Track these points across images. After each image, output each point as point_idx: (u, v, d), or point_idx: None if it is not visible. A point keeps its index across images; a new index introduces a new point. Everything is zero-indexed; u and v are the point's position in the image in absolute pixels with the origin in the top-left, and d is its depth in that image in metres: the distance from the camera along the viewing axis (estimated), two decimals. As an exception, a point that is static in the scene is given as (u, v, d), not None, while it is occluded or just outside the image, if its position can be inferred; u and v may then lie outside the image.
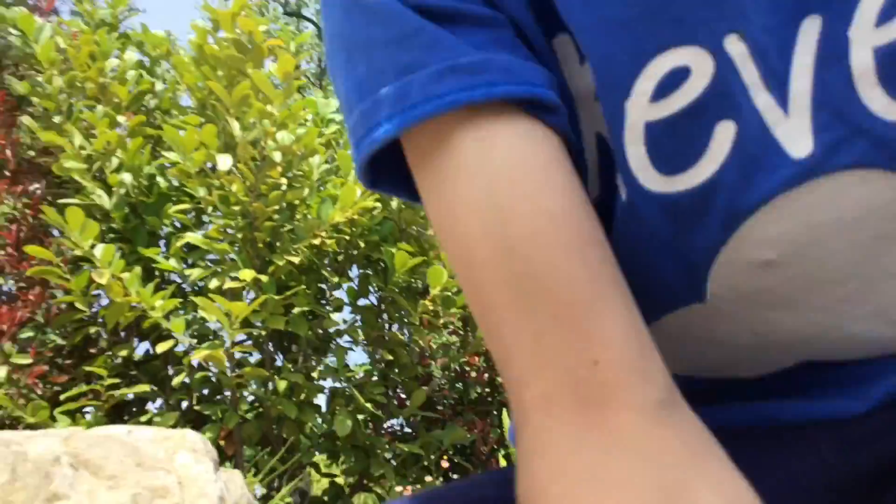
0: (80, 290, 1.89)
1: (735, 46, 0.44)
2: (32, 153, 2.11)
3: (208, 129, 1.75)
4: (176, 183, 2.07)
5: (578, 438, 0.41)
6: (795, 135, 0.44)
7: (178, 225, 2.09)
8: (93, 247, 1.80)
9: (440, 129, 0.45)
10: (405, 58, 0.47)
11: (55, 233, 2.13)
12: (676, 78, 0.45)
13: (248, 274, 1.77)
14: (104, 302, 2.04)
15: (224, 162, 1.77)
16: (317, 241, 1.83)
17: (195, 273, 1.83)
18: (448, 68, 0.45)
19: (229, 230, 1.84)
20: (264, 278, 1.79)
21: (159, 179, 2.07)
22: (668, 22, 0.44)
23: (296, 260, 1.80)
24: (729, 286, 0.48)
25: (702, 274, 0.48)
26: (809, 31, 0.43)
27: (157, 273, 1.98)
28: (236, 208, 1.82)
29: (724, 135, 0.45)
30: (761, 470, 0.49)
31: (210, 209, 1.89)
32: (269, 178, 1.81)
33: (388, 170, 0.50)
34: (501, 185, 0.44)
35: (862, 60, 0.43)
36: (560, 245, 0.44)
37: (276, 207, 1.80)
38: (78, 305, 1.93)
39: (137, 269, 1.82)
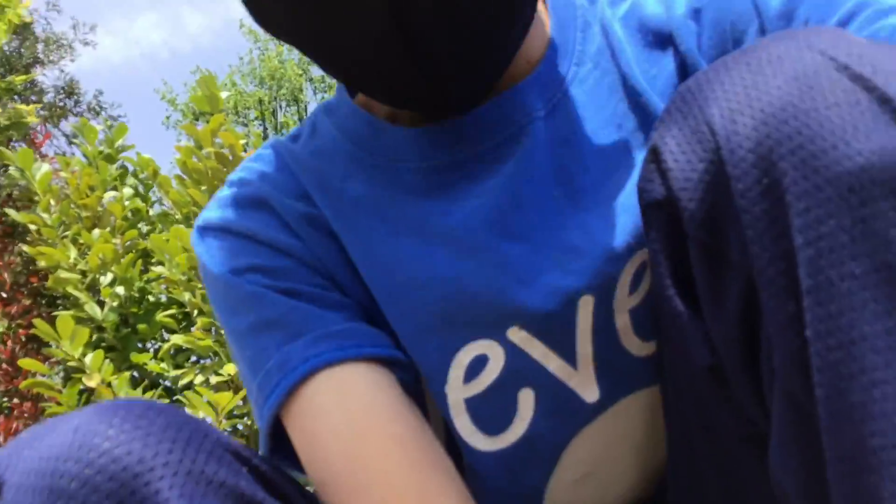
0: (73, 402, 1.95)
1: (517, 335, 0.57)
2: (24, 277, 2.22)
3: (190, 233, 1.87)
4: (164, 298, 2.17)
5: None
6: (586, 384, 0.58)
7: (166, 336, 2.17)
8: (84, 355, 1.88)
9: (307, 389, 0.56)
10: (283, 333, 0.58)
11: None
12: (479, 364, 0.58)
13: (232, 368, 1.83)
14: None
15: (206, 263, 1.87)
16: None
17: (182, 373, 1.90)
18: (323, 335, 0.57)
19: (213, 328, 1.91)
20: (248, 372, 1.85)
21: (149, 295, 2.17)
22: (463, 325, 0.58)
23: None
24: (561, 499, 0.61)
25: (539, 495, 0.61)
26: (585, 308, 0.57)
27: (145, 380, 2.04)
28: (220, 308, 1.91)
29: (525, 400, 0.58)
30: None
31: (195, 312, 1.97)
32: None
33: (286, 446, 0.60)
34: (357, 416, 0.55)
35: (623, 322, 0.57)
36: (407, 462, 0.54)
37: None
38: (70, 416, 1.98)
39: (126, 374, 1.89)
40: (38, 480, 0.42)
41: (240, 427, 1.98)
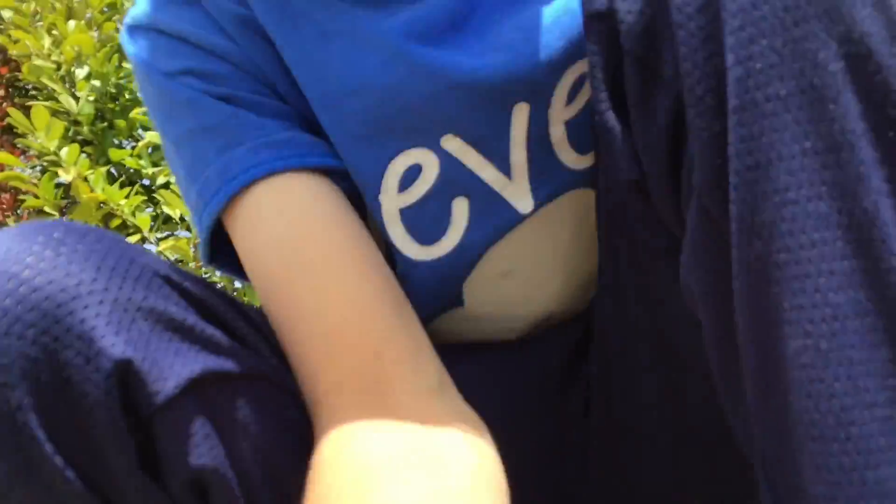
0: (49, 195, 1.94)
1: (451, 143, 0.56)
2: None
3: (166, 26, 1.80)
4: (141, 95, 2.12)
5: (360, 416, 0.49)
6: (520, 194, 0.58)
7: (142, 134, 2.14)
8: (59, 148, 1.85)
9: (248, 198, 0.55)
10: (222, 140, 0.56)
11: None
12: (414, 173, 0.57)
13: (209, 169, 1.82)
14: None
15: (183, 60, 1.81)
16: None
17: (159, 170, 1.89)
18: (263, 143, 0.56)
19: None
20: (225, 173, 1.84)
21: (125, 91, 2.11)
22: (396, 134, 0.56)
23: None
24: (481, 294, 0.62)
25: (459, 291, 0.62)
26: (519, 115, 0.56)
27: (122, 176, 2.03)
28: (197, 107, 1.87)
29: (459, 209, 0.58)
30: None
31: (173, 111, 1.94)
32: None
33: (225, 251, 0.59)
34: (296, 223, 0.55)
35: (558, 133, 0.57)
36: (346, 265, 0.54)
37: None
38: (48, 210, 1.98)
39: (103, 169, 1.87)
40: None
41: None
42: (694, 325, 0.46)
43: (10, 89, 2.16)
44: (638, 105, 0.45)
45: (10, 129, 2.10)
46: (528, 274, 0.62)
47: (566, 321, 0.65)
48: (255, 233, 0.56)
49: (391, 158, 0.57)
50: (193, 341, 0.48)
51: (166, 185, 1.87)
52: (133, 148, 2.09)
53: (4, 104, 2.12)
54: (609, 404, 0.61)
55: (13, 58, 2.11)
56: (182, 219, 1.86)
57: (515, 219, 0.59)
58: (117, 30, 2.36)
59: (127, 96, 2.07)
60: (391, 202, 0.58)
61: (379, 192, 0.58)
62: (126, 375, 0.43)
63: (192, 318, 0.48)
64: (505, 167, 0.57)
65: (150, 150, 1.99)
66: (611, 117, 0.47)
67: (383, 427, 0.49)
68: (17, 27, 2.17)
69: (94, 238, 0.46)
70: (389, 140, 0.57)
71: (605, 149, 0.49)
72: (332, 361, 0.52)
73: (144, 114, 2.01)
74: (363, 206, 0.61)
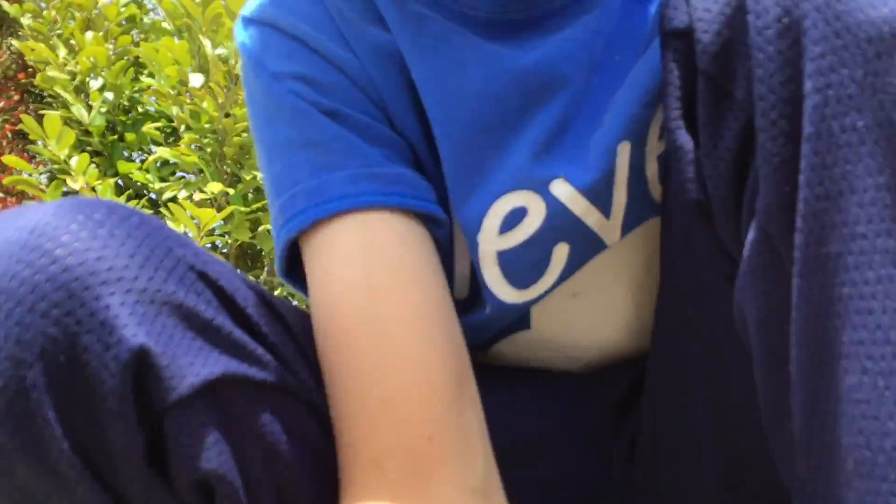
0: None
1: (561, 189, 0.54)
2: (13, 72, 2.19)
3: (181, 46, 1.83)
4: (154, 111, 2.15)
5: (397, 500, 0.47)
6: (611, 231, 0.56)
7: (153, 149, 2.18)
8: (70, 156, 1.88)
9: (334, 227, 0.52)
10: (322, 159, 0.53)
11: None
12: (517, 216, 0.55)
13: (216, 187, 1.85)
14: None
15: (196, 79, 1.85)
16: (283, 160, 1.92)
17: (166, 186, 1.92)
18: (366, 174, 0.53)
19: (199, 145, 1.92)
20: (232, 191, 1.87)
21: (138, 105, 2.15)
22: (500, 169, 0.54)
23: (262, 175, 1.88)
24: (548, 316, 0.59)
25: (527, 313, 0.59)
26: (622, 155, 0.54)
27: (130, 189, 2.06)
28: (207, 126, 1.90)
29: (559, 254, 0.56)
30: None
31: (183, 128, 1.96)
32: (239, 97, 1.89)
33: (299, 266, 0.56)
34: (378, 271, 0.51)
35: (652, 170, 0.55)
36: (417, 330, 0.51)
37: (245, 125, 1.88)
38: (54, 216, 2.01)
39: (111, 181, 1.90)
40: None
41: (219, 244, 2.02)
42: (750, 362, 0.44)
43: (26, 94, 2.19)
44: (707, 125, 0.44)
45: (22, 135, 2.13)
46: (597, 297, 0.60)
47: (626, 361, 0.63)
48: (330, 267, 0.52)
49: (497, 197, 0.55)
50: (218, 342, 0.45)
51: (173, 199, 1.90)
52: (142, 162, 2.13)
53: (19, 109, 2.16)
54: (656, 445, 0.59)
55: (30, 64, 2.14)
56: (186, 234, 1.89)
57: (600, 250, 0.57)
58: (134, 43, 2.40)
59: (139, 110, 2.11)
60: (489, 244, 0.56)
61: (478, 232, 0.56)
62: (143, 367, 0.42)
63: (220, 319, 0.45)
64: (606, 208, 0.56)
65: (158, 164, 2.03)
66: (681, 135, 0.46)
67: None
68: (35, 34, 2.20)
69: (135, 223, 0.44)
70: (500, 175, 0.55)
71: (673, 169, 0.48)
72: (378, 435, 0.48)
73: (156, 129, 2.04)
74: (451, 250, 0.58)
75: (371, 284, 0.51)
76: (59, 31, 2.27)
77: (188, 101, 1.90)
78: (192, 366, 0.43)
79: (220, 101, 1.89)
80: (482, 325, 0.57)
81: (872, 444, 0.35)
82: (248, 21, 0.58)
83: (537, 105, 0.55)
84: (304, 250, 0.54)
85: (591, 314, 0.60)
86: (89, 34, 2.21)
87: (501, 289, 0.57)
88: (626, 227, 0.57)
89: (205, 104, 1.87)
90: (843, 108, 0.36)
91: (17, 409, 0.40)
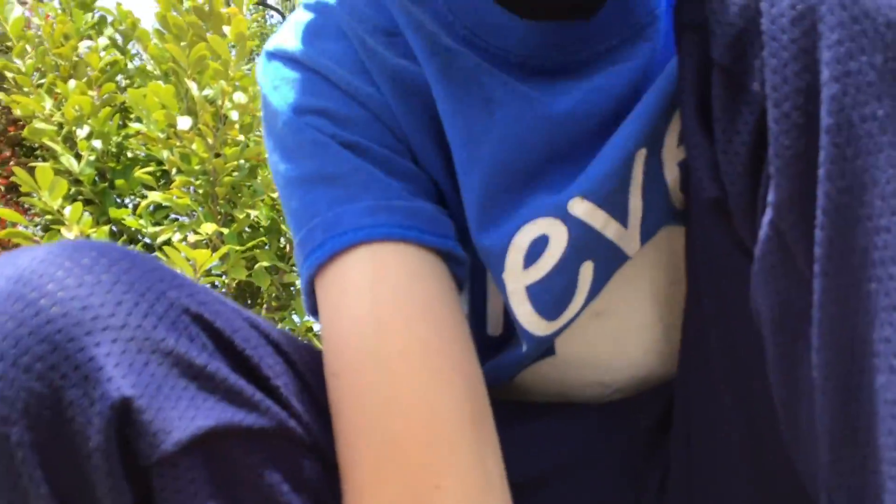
0: (52, 251, 1.98)
1: (579, 206, 0.53)
2: (3, 126, 2.20)
3: (168, 90, 1.85)
4: (143, 155, 2.17)
5: None
6: (630, 241, 0.55)
7: (145, 193, 2.19)
8: (63, 206, 1.89)
9: (345, 260, 0.50)
10: (339, 192, 0.52)
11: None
12: (539, 245, 0.53)
13: (210, 227, 1.86)
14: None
15: (184, 122, 1.86)
16: (276, 195, 1.93)
17: (160, 229, 1.93)
18: (385, 206, 0.51)
19: (191, 187, 1.93)
20: (226, 231, 1.88)
21: (126, 150, 2.16)
22: (520, 204, 0.53)
23: (255, 213, 1.89)
24: (574, 339, 0.58)
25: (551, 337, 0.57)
26: (638, 162, 0.53)
27: (124, 235, 2.07)
28: (198, 167, 1.92)
29: (585, 274, 0.55)
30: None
31: (174, 171, 1.98)
32: (228, 137, 1.91)
33: None
34: (385, 305, 0.49)
35: (672, 175, 0.54)
36: (425, 370, 0.48)
37: (236, 164, 1.90)
38: (50, 266, 2.02)
39: (105, 228, 1.91)
40: None
41: (217, 284, 2.02)
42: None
43: (16, 147, 2.20)
44: (722, 119, 0.42)
45: (14, 188, 2.13)
46: (621, 315, 0.58)
47: (657, 386, 0.61)
48: (339, 301, 0.50)
49: (516, 230, 0.53)
50: (212, 390, 0.43)
51: (168, 242, 1.91)
52: (135, 207, 2.13)
53: (11, 163, 2.17)
54: (691, 469, 0.57)
55: (18, 118, 2.16)
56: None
57: (623, 262, 0.56)
58: (119, 89, 2.41)
59: (129, 155, 2.12)
60: (517, 282, 0.54)
61: (503, 271, 0.54)
62: (126, 421, 0.40)
63: (215, 364, 0.43)
64: (623, 217, 0.54)
65: (151, 208, 2.04)
66: (697, 132, 0.44)
67: None
68: (18, 88, 2.22)
69: (125, 267, 0.42)
70: (519, 208, 0.54)
71: (691, 167, 0.47)
72: (382, 482, 0.46)
73: (147, 173, 2.05)
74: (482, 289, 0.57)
75: (378, 318, 0.49)
76: (41, 82, 2.28)
77: (178, 143, 1.91)
78: (181, 419, 0.41)
79: (209, 141, 1.90)
80: (517, 361, 0.56)
81: None
82: (272, 55, 0.58)
83: (560, 157, 0.54)
84: (318, 285, 0.52)
85: (616, 334, 0.59)
86: (72, 83, 2.23)
87: (535, 324, 0.55)
88: (645, 236, 0.55)
89: (194, 146, 1.89)
90: (862, 96, 0.34)
91: (3, 467, 0.38)
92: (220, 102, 1.89)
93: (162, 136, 1.92)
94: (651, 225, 0.55)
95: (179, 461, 0.41)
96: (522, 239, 0.54)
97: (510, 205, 0.54)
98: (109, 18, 2.57)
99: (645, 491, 0.59)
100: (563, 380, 0.59)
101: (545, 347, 0.57)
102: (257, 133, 2.02)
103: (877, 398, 0.34)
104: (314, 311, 0.54)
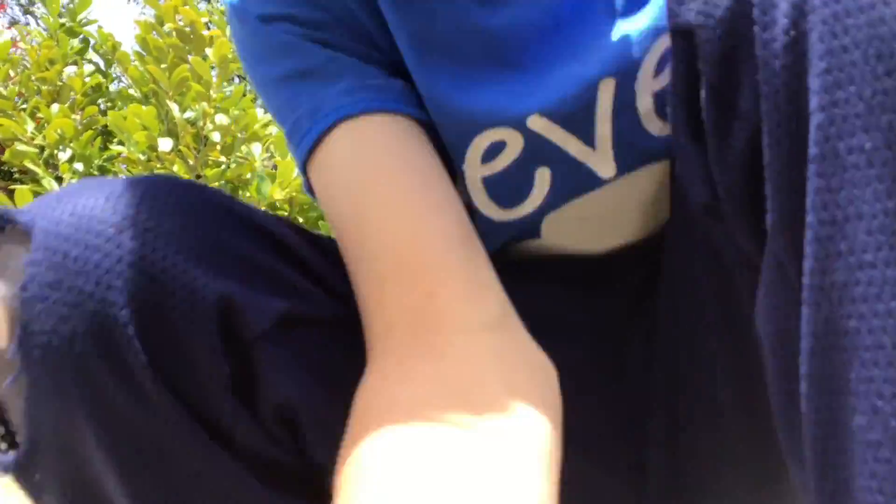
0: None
1: (538, 122, 0.56)
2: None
3: (149, 112, 1.85)
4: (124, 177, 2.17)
5: (401, 360, 0.49)
6: (602, 162, 0.57)
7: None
8: (42, 229, 1.88)
9: (329, 140, 0.54)
10: (318, 82, 0.55)
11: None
12: (497, 148, 0.57)
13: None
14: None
15: (165, 144, 1.86)
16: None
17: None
18: (362, 86, 0.55)
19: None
20: (206, 253, 1.88)
21: (108, 173, 2.16)
22: (477, 109, 0.56)
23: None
24: (558, 230, 0.61)
25: (537, 226, 0.60)
26: (606, 90, 0.55)
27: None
28: (179, 188, 1.92)
29: (542, 177, 0.58)
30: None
31: (155, 192, 1.98)
32: (209, 158, 1.91)
33: None
34: (367, 164, 0.54)
35: (646, 104, 0.55)
36: (411, 206, 0.52)
37: (217, 185, 1.90)
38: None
39: (86, 250, 1.91)
40: (60, 243, 0.43)
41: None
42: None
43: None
44: (713, 133, 0.42)
45: (-7, 211, 2.13)
46: (606, 221, 0.60)
47: (641, 245, 0.63)
48: (329, 176, 0.54)
49: (475, 135, 0.56)
50: (279, 287, 0.49)
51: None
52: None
53: (-11, 187, 2.16)
54: (676, 324, 0.59)
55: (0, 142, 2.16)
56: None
57: (597, 183, 0.57)
58: (100, 112, 2.41)
59: (110, 178, 2.12)
60: (474, 171, 0.58)
61: (463, 162, 0.57)
62: (226, 309, 0.45)
63: (278, 265, 0.50)
64: (589, 139, 0.56)
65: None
66: (686, 139, 0.45)
67: (421, 372, 0.48)
68: (0, 112, 2.22)
69: (196, 193, 0.48)
70: (475, 113, 0.56)
71: (680, 166, 0.48)
72: (385, 303, 0.51)
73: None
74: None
75: (366, 176, 0.53)
76: (26, 104, 2.29)
77: (158, 165, 1.91)
78: (269, 302, 0.47)
79: (190, 163, 1.90)
80: (490, 236, 0.58)
81: (886, 489, 0.33)
82: None
83: (501, 64, 0.57)
84: (310, 171, 0.56)
85: (600, 230, 0.61)
86: (55, 107, 2.23)
87: (489, 209, 0.59)
88: (624, 163, 0.57)
89: (175, 167, 1.89)
90: (849, 127, 0.34)
91: (111, 347, 0.43)
92: (201, 124, 1.90)
93: (143, 157, 1.92)
94: (628, 155, 0.57)
95: (273, 337, 0.47)
96: (482, 141, 0.57)
97: (466, 109, 0.56)
98: (92, 42, 2.58)
99: (629, 345, 0.62)
100: (547, 254, 0.63)
101: (520, 227, 0.60)
102: (238, 154, 2.02)
103: (858, 438, 0.34)
104: (312, 192, 0.58)
